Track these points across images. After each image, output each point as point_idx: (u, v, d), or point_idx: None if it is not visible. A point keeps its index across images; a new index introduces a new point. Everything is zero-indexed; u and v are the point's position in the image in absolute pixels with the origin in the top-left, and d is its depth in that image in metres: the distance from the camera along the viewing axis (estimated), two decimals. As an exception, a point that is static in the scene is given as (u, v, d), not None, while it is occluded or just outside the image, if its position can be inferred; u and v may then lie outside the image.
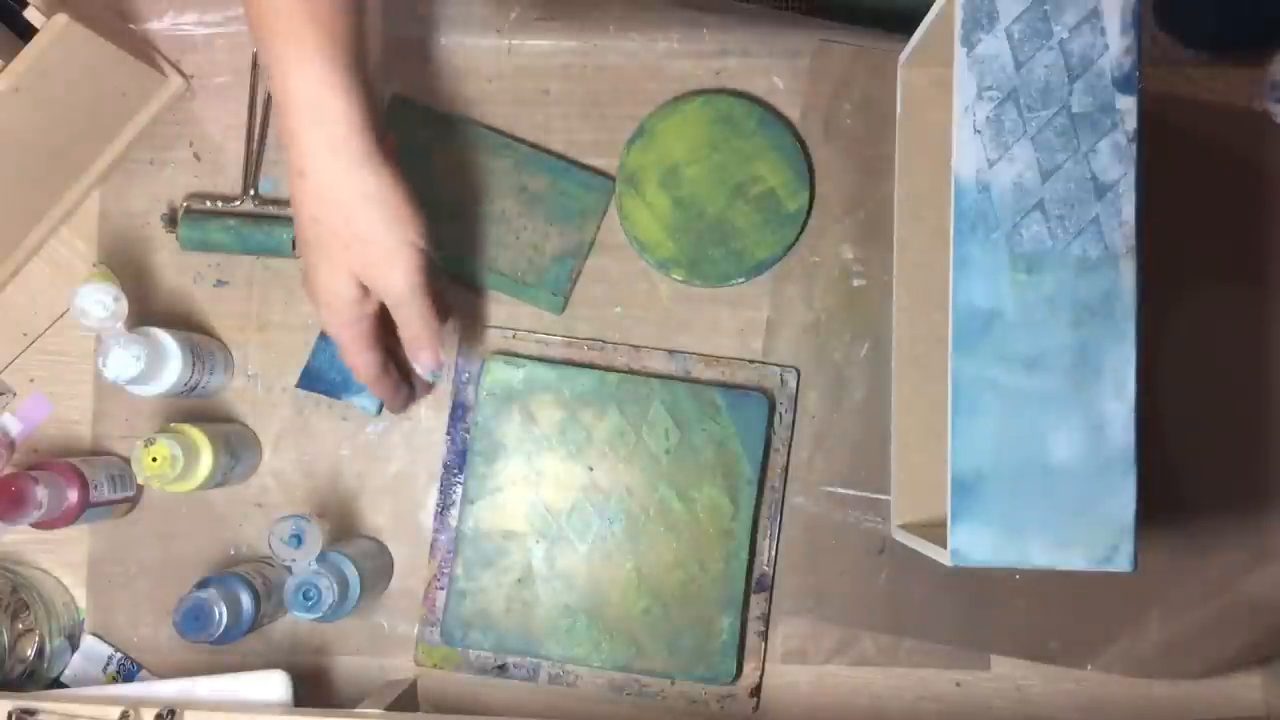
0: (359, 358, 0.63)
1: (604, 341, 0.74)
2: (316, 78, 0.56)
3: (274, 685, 0.69)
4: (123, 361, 0.66)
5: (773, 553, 0.73)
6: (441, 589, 0.73)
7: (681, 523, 0.71)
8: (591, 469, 0.71)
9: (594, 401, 0.71)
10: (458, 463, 0.73)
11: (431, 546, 0.74)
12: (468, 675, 0.73)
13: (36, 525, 0.67)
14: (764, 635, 0.73)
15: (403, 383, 0.67)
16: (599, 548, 0.71)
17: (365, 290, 0.60)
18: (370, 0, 0.61)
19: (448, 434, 0.74)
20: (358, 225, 0.58)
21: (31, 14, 0.65)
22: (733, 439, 0.71)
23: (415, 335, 0.63)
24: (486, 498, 0.71)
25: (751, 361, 0.74)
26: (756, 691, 0.73)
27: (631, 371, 0.73)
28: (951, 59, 0.57)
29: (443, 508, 0.73)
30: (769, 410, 0.72)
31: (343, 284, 0.60)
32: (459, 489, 0.73)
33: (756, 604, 0.73)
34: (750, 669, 0.72)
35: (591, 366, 0.73)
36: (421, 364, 0.64)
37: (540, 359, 0.73)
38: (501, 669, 0.72)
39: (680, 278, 0.74)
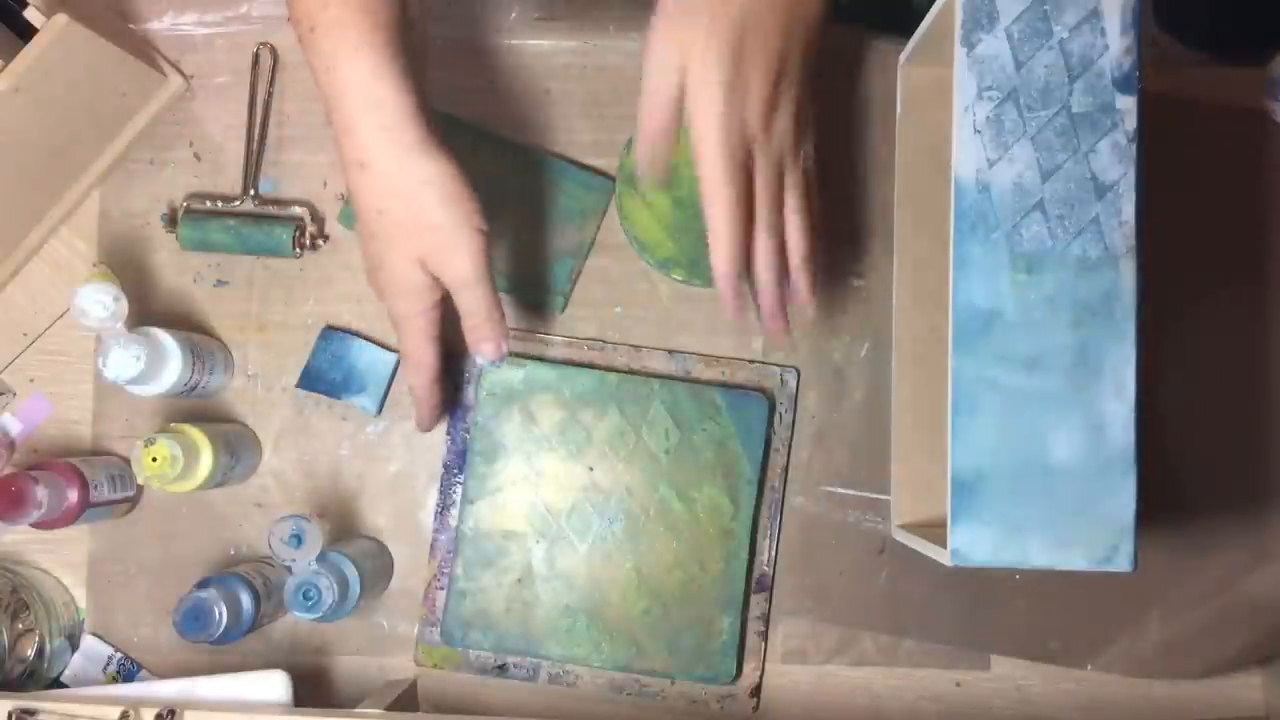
0: (425, 349, 0.63)
1: (604, 341, 0.74)
2: (368, 69, 0.56)
3: (274, 685, 0.69)
4: (123, 361, 0.66)
5: (773, 553, 0.73)
6: (441, 589, 0.73)
7: (681, 523, 0.71)
8: (591, 469, 0.71)
9: (594, 401, 0.71)
10: (458, 463, 0.73)
11: (431, 546, 0.74)
12: (468, 675, 0.73)
13: (36, 525, 0.67)
14: (764, 635, 0.73)
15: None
16: (599, 548, 0.71)
17: (433, 277, 0.61)
18: None
19: (447, 434, 0.74)
20: (422, 211, 0.59)
21: (31, 14, 0.65)
22: (733, 439, 0.71)
23: (479, 323, 0.63)
24: (486, 498, 0.72)
25: (751, 361, 0.74)
26: (756, 691, 0.73)
27: (631, 371, 0.73)
28: (951, 59, 0.57)
29: (443, 508, 0.73)
30: (769, 410, 0.72)
31: (412, 271, 0.60)
32: (459, 489, 0.73)
33: (756, 604, 0.73)
34: (750, 669, 0.72)
35: (591, 366, 0.73)
36: (484, 353, 0.64)
37: (540, 359, 0.73)
38: (501, 669, 0.72)
39: (680, 278, 0.74)
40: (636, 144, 0.60)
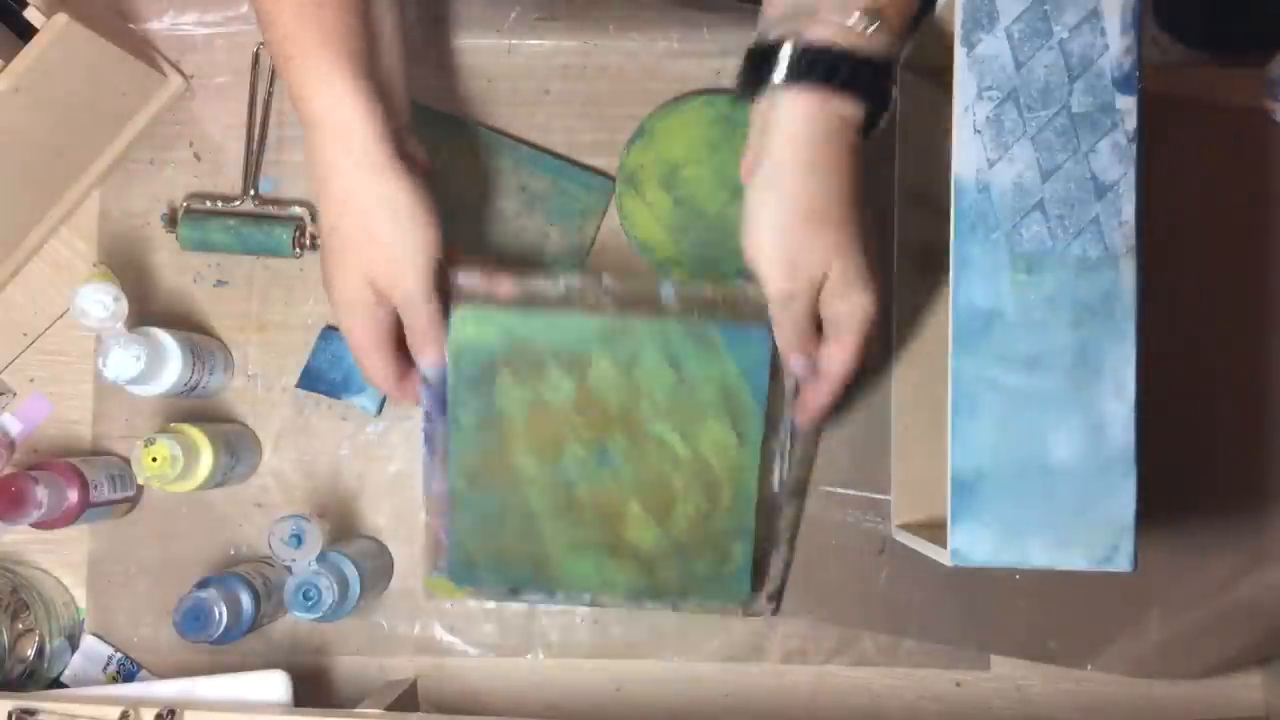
0: (373, 363, 0.64)
1: (587, 279, 0.68)
2: (334, 96, 0.58)
3: (274, 685, 0.69)
4: (123, 361, 0.66)
5: (783, 473, 0.69)
6: (444, 534, 0.70)
7: (686, 462, 0.68)
8: (585, 416, 0.68)
9: (582, 349, 0.66)
10: (439, 411, 0.67)
11: (428, 492, 0.70)
12: (481, 604, 0.74)
13: (36, 525, 0.67)
14: (779, 551, 0.71)
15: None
16: (602, 491, 0.68)
17: (380, 295, 0.61)
18: (385, 10, 0.62)
19: (424, 381, 0.66)
20: (372, 229, 0.60)
21: (31, 14, 0.65)
22: (734, 374, 0.67)
23: (420, 337, 0.64)
24: (475, 450, 0.67)
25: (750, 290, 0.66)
26: (776, 597, 0.72)
27: (620, 314, 0.67)
28: (951, 59, 0.57)
29: (430, 455, 0.69)
30: (772, 339, 0.65)
31: (360, 290, 0.61)
32: (445, 441, 0.68)
33: (770, 524, 0.70)
34: (768, 582, 0.71)
35: (576, 312, 0.67)
36: (423, 362, 0.65)
37: (521, 307, 0.67)
38: (514, 593, 0.71)
39: (681, 278, 0.74)
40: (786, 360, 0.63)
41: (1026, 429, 0.56)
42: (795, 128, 0.57)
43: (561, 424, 0.68)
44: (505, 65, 0.76)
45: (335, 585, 0.66)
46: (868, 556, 0.73)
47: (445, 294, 0.63)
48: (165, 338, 0.69)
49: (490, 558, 0.69)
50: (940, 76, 0.59)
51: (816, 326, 0.62)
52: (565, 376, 0.67)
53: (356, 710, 0.66)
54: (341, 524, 0.75)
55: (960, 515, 0.55)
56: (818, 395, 0.64)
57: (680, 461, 0.68)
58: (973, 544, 0.55)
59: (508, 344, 0.67)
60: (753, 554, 0.69)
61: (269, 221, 0.75)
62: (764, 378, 0.67)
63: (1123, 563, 0.55)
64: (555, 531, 0.69)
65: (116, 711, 0.62)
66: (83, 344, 0.76)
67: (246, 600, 0.67)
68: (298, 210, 0.76)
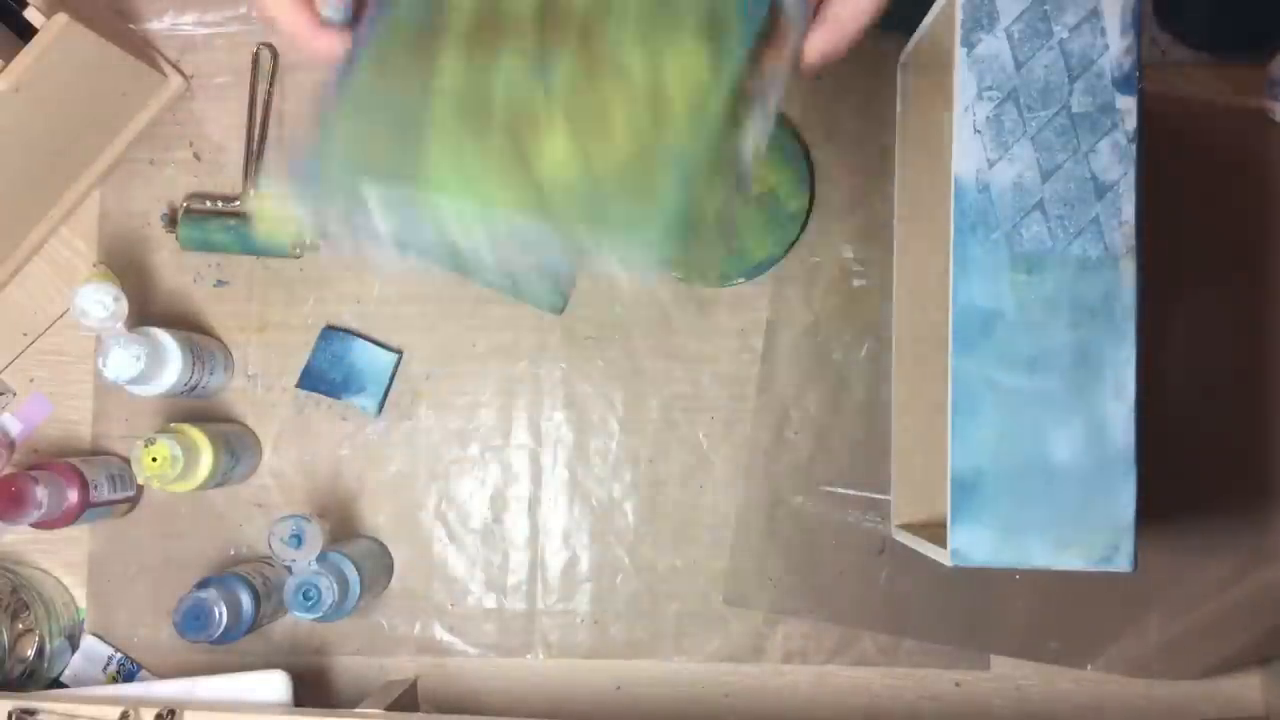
0: None
1: None
2: None
3: (274, 685, 0.69)
4: (123, 361, 0.66)
5: (754, 151, 0.53)
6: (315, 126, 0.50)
7: (640, 90, 0.51)
8: (540, 21, 0.52)
9: None
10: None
11: (321, 97, 0.51)
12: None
13: (36, 525, 0.67)
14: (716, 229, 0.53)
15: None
16: (524, 103, 0.50)
17: None
18: None
19: None
20: None
21: (31, 14, 0.65)
22: None
23: None
24: (399, 42, 0.51)
25: None
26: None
27: None
28: (951, 59, 0.57)
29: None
30: None
31: None
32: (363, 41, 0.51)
33: (725, 194, 0.53)
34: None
35: None
36: None
37: None
38: (354, 230, 0.51)
39: (680, 276, 0.74)
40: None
41: (1026, 429, 0.56)
42: None
43: (509, 27, 0.52)
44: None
45: (335, 585, 0.66)
46: (868, 556, 0.73)
47: None
48: (165, 338, 0.69)
49: (348, 148, 0.50)
50: (940, 76, 0.59)
51: None
52: None
53: (356, 710, 0.66)
54: (341, 524, 0.75)
55: (960, 515, 0.55)
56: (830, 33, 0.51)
57: (634, 89, 0.51)
58: (973, 544, 0.55)
59: None
60: (688, 211, 0.49)
61: (269, 221, 0.75)
62: (763, 8, 0.51)
63: (1123, 563, 0.55)
64: (444, 133, 0.50)
65: (116, 711, 0.62)
66: (83, 344, 0.76)
67: (246, 600, 0.67)
68: (298, 210, 0.76)
